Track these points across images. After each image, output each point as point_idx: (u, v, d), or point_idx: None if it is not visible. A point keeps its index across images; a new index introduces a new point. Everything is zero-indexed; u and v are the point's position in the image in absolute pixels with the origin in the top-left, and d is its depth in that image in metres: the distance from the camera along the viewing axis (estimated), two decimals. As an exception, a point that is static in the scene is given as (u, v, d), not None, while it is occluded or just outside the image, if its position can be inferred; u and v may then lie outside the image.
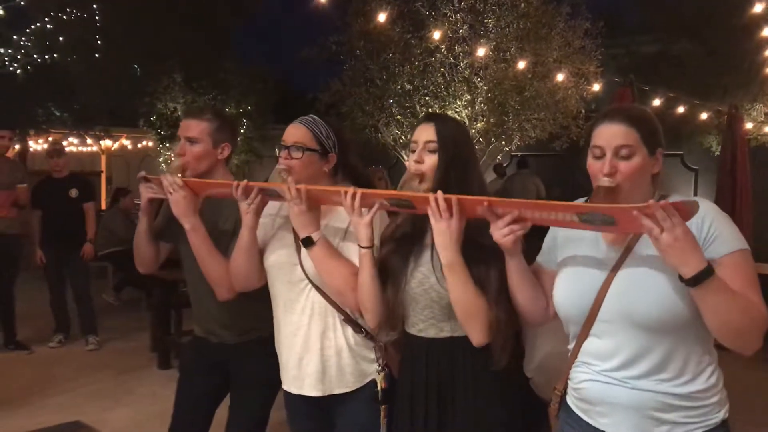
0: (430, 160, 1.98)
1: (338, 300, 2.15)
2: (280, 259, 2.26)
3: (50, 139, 12.72)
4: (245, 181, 2.22)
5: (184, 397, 2.72)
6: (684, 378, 1.65)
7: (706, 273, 1.48)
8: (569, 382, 1.85)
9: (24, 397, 4.89)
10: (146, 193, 2.50)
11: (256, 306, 2.44)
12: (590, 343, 1.76)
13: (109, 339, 6.59)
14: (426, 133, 2.00)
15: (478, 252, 1.89)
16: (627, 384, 1.68)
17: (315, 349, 2.19)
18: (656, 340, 1.64)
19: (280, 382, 2.38)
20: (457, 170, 1.98)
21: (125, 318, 7.57)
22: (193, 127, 2.52)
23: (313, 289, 2.19)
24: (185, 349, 2.96)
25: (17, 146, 12.28)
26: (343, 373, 2.19)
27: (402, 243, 2.08)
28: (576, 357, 1.80)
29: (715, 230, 1.61)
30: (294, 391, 2.26)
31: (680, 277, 1.51)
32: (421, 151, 2.00)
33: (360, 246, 2.02)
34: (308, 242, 2.09)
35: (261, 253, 2.33)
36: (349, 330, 2.19)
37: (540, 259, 1.96)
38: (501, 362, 1.93)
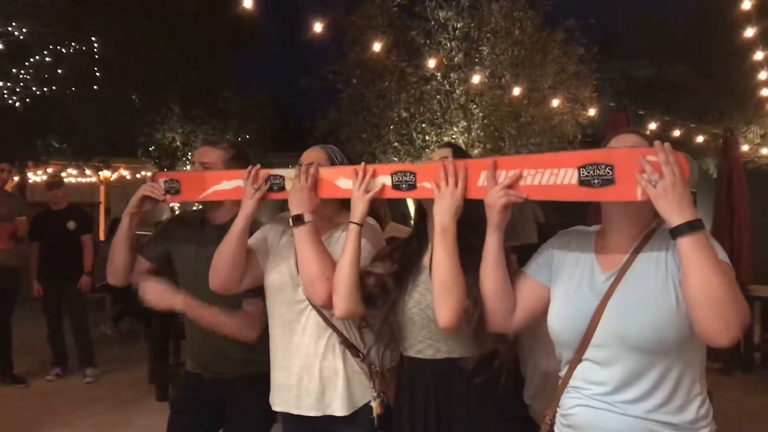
0: None
1: (308, 291, 2.15)
2: (281, 279, 2.28)
3: (49, 170, 12.81)
4: (258, 165, 2.31)
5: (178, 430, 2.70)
6: (674, 404, 1.65)
7: (700, 224, 1.51)
8: (558, 409, 1.85)
9: (21, 431, 4.85)
10: (143, 190, 2.53)
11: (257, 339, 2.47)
12: (583, 367, 1.76)
13: (108, 371, 6.55)
14: (442, 153, 2.11)
15: (465, 252, 1.92)
16: (618, 409, 1.68)
17: (315, 370, 2.20)
18: (648, 363, 1.64)
19: (274, 417, 2.37)
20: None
21: (123, 349, 7.53)
22: (209, 154, 2.61)
23: (313, 310, 2.21)
24: (177, 385, 2.95)
25: (16, 178, 12.32)
26: (340, 395, 2.19)
27: (400, 266, 2.11)
28: (567, 383, 1.80)
29: None
30: (294, 411, 2.25)
31: (672, 231, 1.53)
32: None
33: (351, 221, 2.07)
34: (298, 220, 2.14)
35: (259, 265, 2.35)
36: (348, 353, 2.20)
37: (528, 268, 1.96)
38: (469, 362, 1.97)
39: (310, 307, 2.21)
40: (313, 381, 2.20)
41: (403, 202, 11.29)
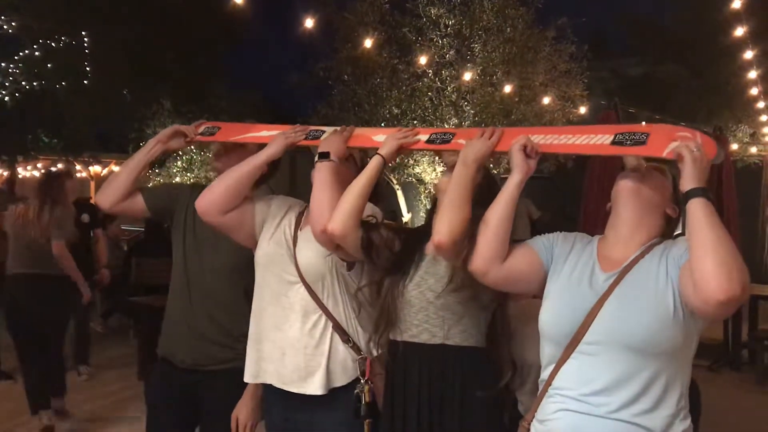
0: None
1: (314, 218, 2.11)
2: (278, 249, 2.26)
3: (39, 165, 12.75)
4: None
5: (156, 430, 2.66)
6: (662, 413, 1.64)
7: (711, 195, 1.58)
8: (536, 415, 1.83)
9: (9, 429, 4.82)
10: (179, 125, 2.52)
11: (245, 324, 2.44)
12: (570, 366, 1.74)
13: (97, 367, 6.50)
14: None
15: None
16: (600, 411, 1.66)
17: (299, 346, 2.18)
18: (639, 365, 1.63)
19: None
20: (483, 186, 2.05)
21: (112, 346, 7.49)
22: None
23: (303, 286, 2.20)
24: (151, 382, 2.88)
25: (6, 173, 12.26)
26: (321, 375, 2.16)
27: (403, 248, 2.12)
28: (550, 385, 1.78)
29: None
30: (275, 383, 2.23)
31: (687, 193, 1.58)
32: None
33: (378, 152, 2.13)
34: (324, 155, 2.16)
35: (250, 213, 2.32)
36: (335, 335, 2.18)
37: (529, 240, 1.96)
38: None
39: (301, 283, 2.20)
40: (297, 357, 2.18)
41: (395, 199, 11.29)
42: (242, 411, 2.44)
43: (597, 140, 1.84)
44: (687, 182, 1.58)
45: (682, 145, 1.63)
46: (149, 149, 2.49)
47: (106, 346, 7.40)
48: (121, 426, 4.95)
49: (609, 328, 1.67)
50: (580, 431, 1.69)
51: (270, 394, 2.31)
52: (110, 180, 2.52)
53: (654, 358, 1.63)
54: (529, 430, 1.86)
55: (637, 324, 1.63)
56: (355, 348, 2.18)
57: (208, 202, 2.25)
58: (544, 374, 1.82)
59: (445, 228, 1.89)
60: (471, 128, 2.10)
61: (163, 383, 2.67)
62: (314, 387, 2.16)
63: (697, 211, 1.55)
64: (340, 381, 2.18)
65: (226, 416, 2.47)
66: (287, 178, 11.07)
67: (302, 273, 2.19)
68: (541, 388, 1.82)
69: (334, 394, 2.17)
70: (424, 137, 2.16)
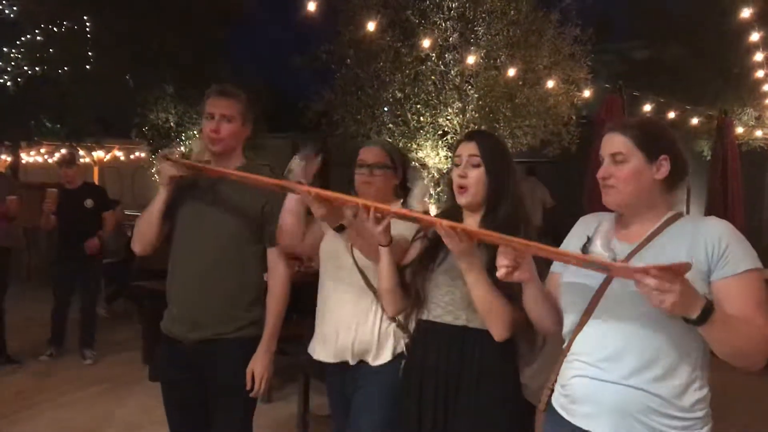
0: (473, 174, 2.16)
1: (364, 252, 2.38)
2: (334, 246, 2.57)
3: (42, 150, 12.75)
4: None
5: (173, 408, 2.70)
6: (672, 381, 1.68)
7: (709, 310, 1.53)
8: (558, 379, 1.89)
9: (15, 412, 4.85)
10: (168, 171, 2.50)
11: (252, 299, 2.59)
12: (587, 332, 1.79)
13: (101, 351, 6.53)
14: (468, 149, 2.19)
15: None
16: (613, 377, 1.71)
17: (352, 323, 2.49)
18: (652, 330, 1.67)
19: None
20: (498, 181, 2.16)
21: (117, 330, 7.53)
22: (230, 105, 2.59)
23: (357, 271, 2.49)
24: (158, 360, 2.95)
25: (9, 158, 12.26)
26: (374, 348, 2.47)
27: (434, 241, 2.22)
28: (569, 350, 1.84)
29: (729, 252, 1.67)
30: (330, 360, 2.57)
31: (686, 320, 1.55)
32: (465, 166, 2.18)
33: (380, 245, 2.21)
34: (341, 228, 2.36)
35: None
36: (385, 316, 2.47)
37: (554, 267, 2.02)
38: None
39: (356, 268, 2.49)
40: (349, 334, 2.49)
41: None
42: (258, 364, 2.55)
43: (561, 258, 1.86)
44: (685, 318, 1.55)
45: (658, 297, 1.48)
46: (161, 196, 2.54)
47: (111, 331, 7.43)
48: (127, 410, 4.98)
49: (623, 293, 1.70)
50: (594, 397, 1.74)
51: (327, 368, 2.63)
52: (142, 231, 2.61)
53: (667, 325, 1.65)
54: (550, 393, 1.93)
55: None
56: (401, 326, 2.43)
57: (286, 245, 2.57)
58: (564, 345, 1.89)
59: (496, 328, 2.04)
60: (428, 219, 2.04)
61: (169, 360, 2.70)
62: (370, 359, 2.47)
63: (707, 333, 1.58)
64: (387, 356, 2.46)
65: (235, 383, 2.53)
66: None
67: (356, 258, 2.48)
68: (562, 353, 1.88)
69: (381, 367, 2.46)
70: (391, 214, 2.11)
